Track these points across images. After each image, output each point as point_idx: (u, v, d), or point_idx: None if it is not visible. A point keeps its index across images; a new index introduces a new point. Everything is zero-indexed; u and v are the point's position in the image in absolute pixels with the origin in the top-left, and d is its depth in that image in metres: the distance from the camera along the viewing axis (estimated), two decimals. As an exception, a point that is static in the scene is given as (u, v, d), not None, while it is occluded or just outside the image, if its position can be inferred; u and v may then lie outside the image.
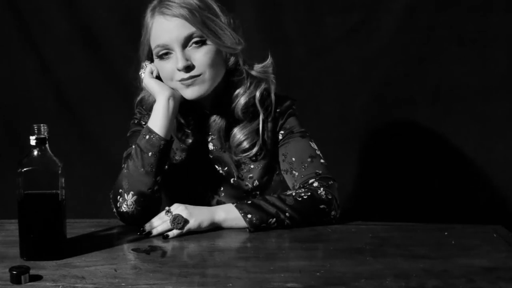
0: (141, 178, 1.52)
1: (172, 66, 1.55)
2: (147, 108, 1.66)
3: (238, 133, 1.63)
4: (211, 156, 1.66)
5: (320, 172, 1.62)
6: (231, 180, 1.66)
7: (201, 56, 1.54)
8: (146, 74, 1.60)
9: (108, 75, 2.46)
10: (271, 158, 1.67)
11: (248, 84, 1.62)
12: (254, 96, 1.62)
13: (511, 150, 2.42)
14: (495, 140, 2.42)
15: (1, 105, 2.50)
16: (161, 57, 1.57)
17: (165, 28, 1.54)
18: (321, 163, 1.64)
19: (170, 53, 1.55)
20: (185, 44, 1.53)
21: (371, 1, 2.38)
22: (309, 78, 2.42)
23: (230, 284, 1.19)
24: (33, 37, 2.45)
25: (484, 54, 2.38)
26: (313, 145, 1.66)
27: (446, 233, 1.50)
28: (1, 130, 2.47)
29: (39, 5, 2.43)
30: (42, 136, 1.28)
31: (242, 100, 1.61)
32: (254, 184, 1.66)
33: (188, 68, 1.53)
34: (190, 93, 1.56)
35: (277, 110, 1.67)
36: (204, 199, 1.65)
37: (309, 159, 1.63)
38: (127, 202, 1.52)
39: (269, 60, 1.64)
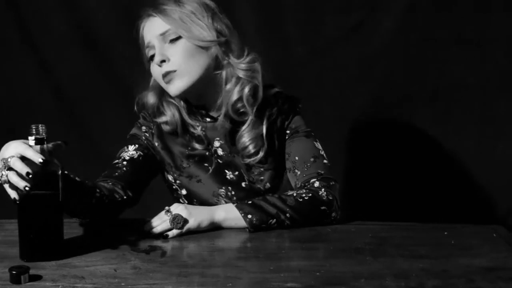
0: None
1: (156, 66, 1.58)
2: (149, 111, 1.67)
3: (244, 137, 1.63)
4: (221, 162, 1.65)
5: (322, 172, 1.62)
6: (243, 184, 1.66)
7: (175, 50, 1.56)
8: None
9: (108, 75, 2.46)
10: (280, 159, 1.67)
11: (234, 81, 1.60)
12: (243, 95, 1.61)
13: (511, 150, 2.42)
14: (495, 140, 2.42)
15: (1, 105, 2.51)
16: (150, 58, 1.60)
17: (148, 28, 1.59)
18: (324, 163, 1.64)
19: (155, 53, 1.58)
20: (163, 40, 1.57)
21: (371, 1, 2.38)
22: (309, 78, 2.42)
23: (230, 284, 1.19)
24: (33, 37, 2.45)
25: (484, 54, 2.38)
26: (318, 145, 1.67)
27: (446, 233, 1.50)
28: (0, 130, 2.46)
29: (39, 6, 2.43)
30: (41, 136, 1.28)
31: (232, 98, 1.61)
32: (266, 187, 1.66)
33: (163, 61, 1.56)
34: (173, 89, 1.57)
35: (284, 110, 1.67)
36: (217, 205, 1.64)
37: (312, 159, 1.63)
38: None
39: (250, 57, 1.61)
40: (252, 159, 1.63)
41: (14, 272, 1.18)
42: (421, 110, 2.43)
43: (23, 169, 1.24)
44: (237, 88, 1.60)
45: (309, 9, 2.39)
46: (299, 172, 1.63)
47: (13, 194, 1.26)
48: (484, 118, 2.42)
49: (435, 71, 2.41)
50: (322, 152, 1.66)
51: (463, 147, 2.43)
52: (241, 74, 1.60)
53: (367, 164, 2.49)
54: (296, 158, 1.64)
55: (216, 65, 1.60)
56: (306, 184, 1.61)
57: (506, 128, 2.41)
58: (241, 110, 1.62)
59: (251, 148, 1.63)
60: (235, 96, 1.60)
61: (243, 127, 1.63)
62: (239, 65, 1.60)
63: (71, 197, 1.38)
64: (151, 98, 1.65)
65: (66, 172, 1.35)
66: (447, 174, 2.45)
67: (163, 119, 1.64)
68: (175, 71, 1.56)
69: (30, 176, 1.24)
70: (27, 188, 1.24)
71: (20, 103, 2.49)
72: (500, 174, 2.42)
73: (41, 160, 1.25)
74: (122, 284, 1.19)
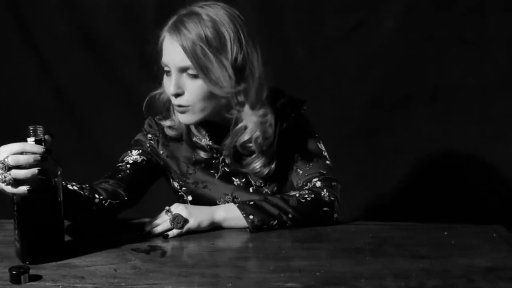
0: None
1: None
2: (159, 109, 1.64)
3: (254, 163, 1.62)
4: (228, 170, 1.66)
5: (324, 172, 1.62)
6: (250, 189, 1.66)
7: (193, 87, 1.51)
8: None
9: (108, 75, 2.47)
10: (288, 163, 1.67)
11: (244, 124, 1.58)
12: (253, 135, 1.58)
13: (511, 150, 2.42)
14: (495, 140, 2.42)
15: (1, 105, 2.51)
16: (166, 72, 1.56)
17: (168, 50, 1.52)
18: (326, 164, 1.64)
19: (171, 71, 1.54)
20: (181, 71, 1.51)
21: (371, 1, 2.38)
22: (309, 78, 2.43)
23: (230, 284, 1.19)
24: (33, 37, 2.45)
25: (484, 54, 2.38)
26: (321, 146, 1.67)
27: (446, 233, 1.50)
28: (0, 130, 2.47)
29: (39, 6, 2.43)
30: (39, 137, 1.27)
31: (242, 138, 1.58)
32: (273, 190, 1.66)
33: (177, 95, 1.52)
34: (182, 119, 1.55)
35: (292, 115, 1.66)
36: None
37: (314, 159, 1.63)
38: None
39: (263, 109, 1.56)
40: (262, 175, 1.63)
41: (14, 272, 1.18)
42: (421, 110, 2.44)
43: (30, 158, 1.22)
44: (247, 131, 1.58)
45: (309, 9, 2.40)
46: (301, 172, 1.64)
47: (21, 188, 1.23)
48: (484, 118, 2.42)
49: (435, 71, 2.41)
50: (325, 153, 1.66)
51: (463, 147, 2.43)
52: (251, 125, 1.56)
53: (366, 164, 2.49)
54: (299, 157, 1.65)
55: (229, 107, 1.57)
56: (308, 183, 1.61)
57: (506, 128, 2.41)
58: (250, 148, 1.60)
59: (264, 171, 1.62)
60: (245, 137, 1.58)
61: (251, 158, 1.62)
62: (252, 117, 1.56)
63: (71, 208, 1.37)
64: (165, 95, 1.63)
65: (64, 183, 1.34)
66: (447, 174, 2.45)
67: (168, 123, 1.64)
68: (188, 106, 1.53)
69: (41, 157, 1.22)
70: (37, 172, 1.21)
71: (20, 103, 2.49)
72: (500, 174, 2.42)
73: (44, 150, 1.23)
74: (122, 284, 1.19)
